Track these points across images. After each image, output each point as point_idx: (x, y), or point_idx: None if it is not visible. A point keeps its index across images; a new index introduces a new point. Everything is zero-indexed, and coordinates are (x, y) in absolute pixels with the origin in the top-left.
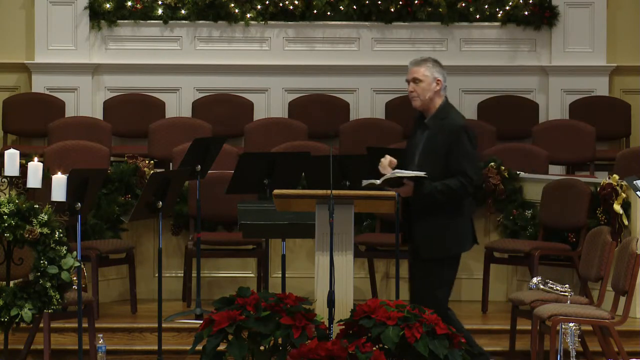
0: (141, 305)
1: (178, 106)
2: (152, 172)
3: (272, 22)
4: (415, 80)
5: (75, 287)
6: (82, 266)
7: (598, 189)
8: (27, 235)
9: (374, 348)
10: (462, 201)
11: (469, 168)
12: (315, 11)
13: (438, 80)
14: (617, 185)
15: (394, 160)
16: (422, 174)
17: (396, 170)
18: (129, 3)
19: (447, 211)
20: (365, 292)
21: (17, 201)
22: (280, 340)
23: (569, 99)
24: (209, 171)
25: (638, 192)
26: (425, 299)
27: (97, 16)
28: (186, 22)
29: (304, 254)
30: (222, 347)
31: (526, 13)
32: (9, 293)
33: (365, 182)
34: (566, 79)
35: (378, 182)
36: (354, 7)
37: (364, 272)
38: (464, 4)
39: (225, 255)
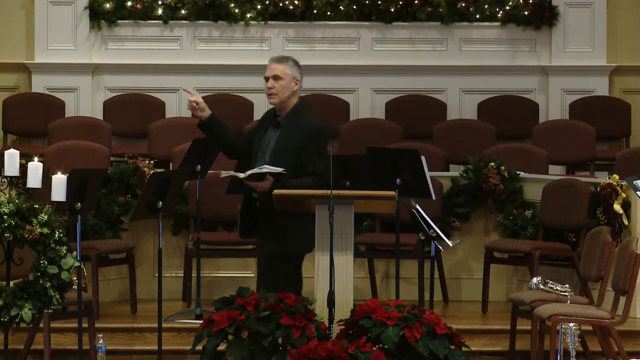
0: (141, 305)
1: (178, 106)
2: (152, 172)
3: (272, 22)
4: (276, 78)
5: (75, 287)
6: (82, 266)
7: (598, 189)
8: (27, 235)
9: (374, 348)
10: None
11: (323, 168)
12: (315, 11)
13: (297, 80)
14: (617, 185)
15: (200, 100)
16: (281, 170)
17: (263, 166)
18: (129, 3)
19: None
20: (365, 292)
21: (17, 201)
22: (280, 340)
23: (569, 99)
24: (209, 171)
25: (638, 192)
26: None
27: (97, 16)
28: (186, 22)
29: None
30: (222, 347)
31: (526, 13)
32: (9, 293)
33: (224, 174)
34: (566, 79)
35: (242, 175)
36: (354, 7)
37: (364, 272)
38: (464, 4)
39: (225, 255)
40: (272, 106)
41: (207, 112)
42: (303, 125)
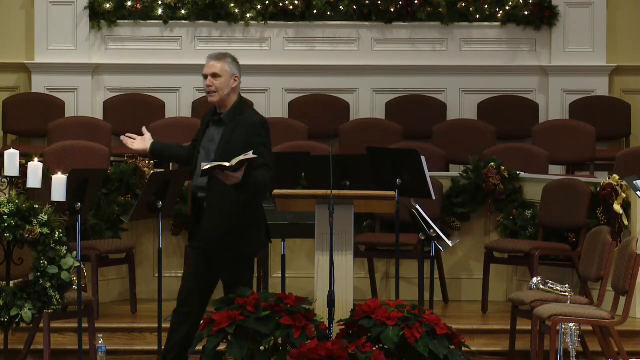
0: (141, 305)
1: (178, 106)
2: (152, 172)
3: (272, 22)
4: (215, 75)
5: (75, 287)
6: (82, 266)
7: (598, 189)
8: (27, 235)
9: (374, 348)
10: (261, 196)
11: (270, 161)
12: (315, 11)
13: (236, 77)
14: (617, 185)
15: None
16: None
17: (248, 152)
18: (129, 3)
19: (251, 206)
20: (365, 292)
21: (17, 201)
22: (280, 340)
23: (569, 99)
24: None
25: (638, 192)
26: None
27: (97, 16)
28: (186, 22)
29: (304, 254)
30: (222, 347)
31: (526, 13)
32: (9, 293)
33: (206, 165)
34: (566, 79)
35: (228, 164)
36: (354, 7)
37: (364, 272)
38: (464, 4)
39: None
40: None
41: (150, 141)
42: (247, 121)
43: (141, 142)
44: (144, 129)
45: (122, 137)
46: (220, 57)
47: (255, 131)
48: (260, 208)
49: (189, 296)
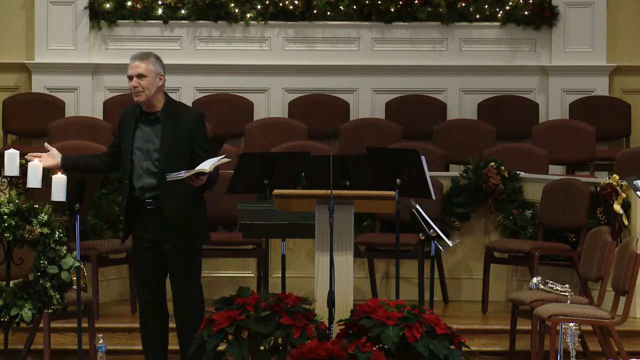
0: None
1: None
2: None
3: (272, 22)
4: (140, 76)
5: (75, 287)
6: (82, 266)
7: (598, 189)
8: (27, 235)
9: (374, 348)
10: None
11: (213, 153)
12: (315, 11)
13: (161, 75)
14: (617, 185)
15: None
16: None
17: (223, 157)
18: (129, 3)
19: (199, 200)
20: (365, 292)
21: (17, 201)
22: (280, 340)
23: (569, 99)
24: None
25: (638, 192)
26: (191, 289)
27: (97, 16)
28: (186, 22)
29: (304, 254)
30: (222, 347)
31: (526, 13)
32: (9, 293)
33: (185, 174)
34: (566, 79)
35: (208, 169)
36: (354, 7)
37: (364, 272)
38: (464, 4)
39: (225, 255)
40: (127, 107)
41: (58, 156)
42: (187, 115)
43: (49, 158)
44: (47, 145)
45: (27, 156)
46: (144, 56)
47: (197, 125)
48: (204, 198)
49: (156, 298)
